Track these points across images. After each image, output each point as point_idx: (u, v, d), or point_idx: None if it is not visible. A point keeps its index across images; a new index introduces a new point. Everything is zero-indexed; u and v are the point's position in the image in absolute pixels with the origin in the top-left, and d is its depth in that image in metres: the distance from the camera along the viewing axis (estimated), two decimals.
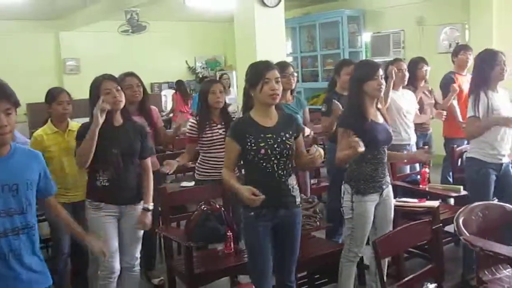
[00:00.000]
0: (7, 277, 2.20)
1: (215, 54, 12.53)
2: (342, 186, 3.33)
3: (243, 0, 5.59)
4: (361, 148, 2.93)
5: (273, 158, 2.85)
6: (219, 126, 3.99)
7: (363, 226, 3.27)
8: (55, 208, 2.62)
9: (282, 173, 2.89)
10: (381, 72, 3.23)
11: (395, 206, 3.61)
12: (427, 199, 4.03)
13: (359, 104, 3.23)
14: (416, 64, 5.12)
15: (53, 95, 3.83)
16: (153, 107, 4.31)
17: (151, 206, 3.32)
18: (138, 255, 3.42)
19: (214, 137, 3.96)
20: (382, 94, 3.28)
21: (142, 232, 3.40)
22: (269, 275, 2.94)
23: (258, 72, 2.86)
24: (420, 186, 4.27)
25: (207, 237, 3.32)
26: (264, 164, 2.84)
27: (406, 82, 4.86)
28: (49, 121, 3.86)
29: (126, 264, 3.37)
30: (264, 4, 5.38)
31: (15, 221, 2.20)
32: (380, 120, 3.31)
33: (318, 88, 9.60)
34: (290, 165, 2.94)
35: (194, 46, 12.05)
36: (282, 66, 4.25)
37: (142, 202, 3.36)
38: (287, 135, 2.91)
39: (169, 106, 10.43)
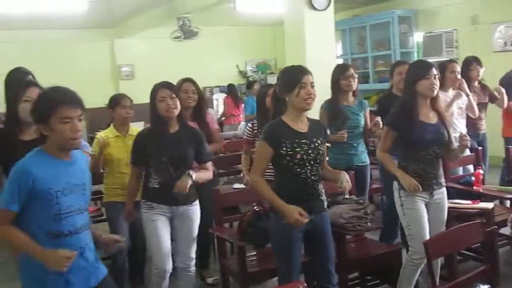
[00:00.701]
0: (85, 269, 2.37)
1: (265, 58, 12.63)
2: (394, 184, 3.37)
3: (292, 4, 5.65)
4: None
5: (307, 164, 2.88)
6: None
7: (417, 222, 3.24)
8: None
9: (314, 179, 2.93)
10: (434, 71, 3.22)
11: (448, 208, 3.59)
12: (481, 201, 3.96)
13: (410, 104, 3.25)
14: (468, 64, 5.05)
15: (117, 100, 4.04)
16: (210, 110, 4.44)
17: (194, 175, 3.30)
18: (193, 255, 3.51)
19: None
20: (435, 93, 3.26)
21: (196, 232, 3.50)
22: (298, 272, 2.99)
23: (294, 77, 2.87)
24: (474, 187, 4.20)
25: (259, 237, 3.38)
26: (298, 169, 2.87)
27: (457, 84, 4.79)
28: (111, 125, 4.06)
29: (182, 264, 3.46)
30: (314, 8, 5.43)
31: (85, 217, 2.38)
32: (433, 120, 3.30)
33: (369, 90, 9.53)
34: (319, 171, 2.98)
35: (245, 50, 12.19)
36: (343, 68, 4.30)
37: (196, 202, 3.46)
38: (318, 141, 2.94)
39: (221, 109, 10.60)
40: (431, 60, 7.03)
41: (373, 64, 9.76)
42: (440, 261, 3.33)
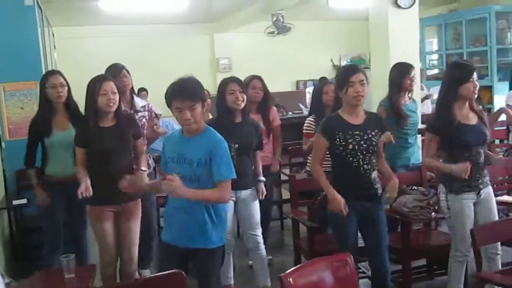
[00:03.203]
0: (186, 228, 2.83)
1: (360, 52, 12.69)
2: (438, 187, 3.49)
3: (377, 1, 5.80)
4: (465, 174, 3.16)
5: (359, 154, 3.14)
6: None
7: (462, 225, 3.35)
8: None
9: (366, 168, 3.17)
10: (476, 75, 3.32)
11: (504, 202, 3.70)
12: None
13: (448, 106, 3.34)
14: None
15: (245, 82, 4.40)
16: (274, 107, 4.78)
17: (262, 178, 3.91)
18: (259, 232, 3.86)
19: None
20: (476, 96, 3.36)
21: (258, 215, 3.87)
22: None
23: (344, 76, 3.14)
24: None
25: (323, 220, 3.70)
26: (350, 158, 3.14)
27: None
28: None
29: (251, 245, 3.87)
30: (398, 6, 5.56)
31: (191, 185, 2.76)
32: (473, 121, 3.39)
33: None
34: (374, 161, 3.22)
35: (339, 44, 12.30)
36: (406, 68, 4.46)
37: (253, 187, 3.89)
38: (373, 133, 3.18)
39: None
40: None
41: (468, 60, 9.57)
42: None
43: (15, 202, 4.51)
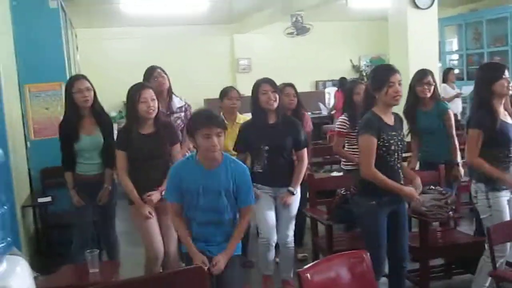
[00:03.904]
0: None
1: (379, 53, 12.67)
2: (473, 186, 3.49)
3: (396, 2, 5.83)
4: None
5: (395, 154, 3.18)
6: None
7: (503, 221, 3.33)
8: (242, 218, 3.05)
9: (399, 166, 3.24)
10: (507, 74, 3.34)
11: None
12: None
13: (489, 104, 3.36)
14: None
15: (225, 92, 4.58)
16: (307, 113, 4.83)
17: (295, 191, 3.82)
18: (291, 232, 3.93)
19: None
20: (510, 94, 3.39)
21: (295, 212, 3.92)
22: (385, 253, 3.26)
23: (382, 76, 3.14)
24: None
25: (344, 217, 3.75)
26: (389, 158, 3.17)
27: None
28: (221, 114, 4.60)
29: (282, 240, 3.92)
30: (417, 6, 5.58)
31: (215, 217, 2.90)
32: (509, 120, 3.43)
33: None
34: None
35: (358, 44, 12.34)
36: (420, 74, 4.45)
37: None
38: (402, 133, 3.25)
39: (332, 103, 10.88)
40: None
41: (489, 60, 9.50)
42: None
43: (40, 200, 4.66)
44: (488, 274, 3.26)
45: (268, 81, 3.83)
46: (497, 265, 3.35)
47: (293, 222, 3.94)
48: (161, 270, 3.70)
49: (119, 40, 10.60)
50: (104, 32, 10.40)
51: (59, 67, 5.15)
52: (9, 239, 1.98)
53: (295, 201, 3.91)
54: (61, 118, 4.18)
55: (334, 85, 11.78)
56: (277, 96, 3.78)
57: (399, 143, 3.20)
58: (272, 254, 3.92)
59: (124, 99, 3.69)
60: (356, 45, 12.33)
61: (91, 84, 3.99)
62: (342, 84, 10.28)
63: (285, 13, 8.81)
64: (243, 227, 3.01)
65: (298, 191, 3.92)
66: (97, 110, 4.05)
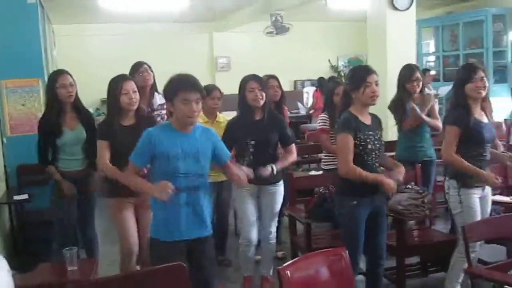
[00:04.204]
0: (194, 222, 2.85)
1: (357, 53, 12.78)
2: (446, 182, 3.58)
3: (375, 4, 5.89)
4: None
5: (373, 153, 3.23)
6: None
7: (473, 218, 3.43)
8: (229, 168, 3.10)
9: (376, 165, 3.27)
10: (481, 74, 3.41)
11: (509, 203, 3.80)
12: None
13: (464, 103, 3.45)
14: None
15: (209, 90, 4.54)
16: (285, 107, 4.87)
17: (275, 167, 3.69)
18: (274, 229, 4.00)
19: None
20: (482, 95, 3.45)
21: (278, 209, 3.97)
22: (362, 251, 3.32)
23: (359, 77, 3.20)
24: None
25: (323, 216, 3.79)
26: (366, 157, 3.21)
27: None
28: (201, 112, 4.59)
29: (264, 236, 3.98)
30: (395, 8, 5.65)
31: (197, 180, 2.83)
32: (485, 120, 3.51)
33: None
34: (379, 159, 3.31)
35: (337, 45, 12.40)
36: (409, 71, 4.57)
37: (280, 182, 3.90)
38: (380, 133, 3.29)
39: (310, 102, 10.95)
40: None
41: (464, 62, 9.68)
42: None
43: (16, 197, 4.59)
44: (462, 270, 3.33)
45: (255, 79, 3.84)
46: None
47: (276, 219, 3.98)
48: (138, 267, 3.71)
49: (97, 36, 10.50)
50: (82, 28, 10.27)
51: (36, 63, 5.10)
52: None
53: (279, 197, 3.94)
54: (38, 114, 4.14)
55: (312, 84, 11.84)
56: (264, 94, 3.80)
57: (376, 142, 3.24)
58: (252, 253, 3.96)
59: (102, 96, 3.68)
60: (334, 45, 12.40)
61: (73, 79, 3.97)
62: (320, 84, 10.37)
63: (264, 12, 8.82)
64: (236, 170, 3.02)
65: (282, 189, 3.94)
66: (78, 106, 4.04)
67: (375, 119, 3.37)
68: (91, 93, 8.04)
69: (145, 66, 4.31)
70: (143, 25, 10.46)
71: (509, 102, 8.65)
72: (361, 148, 3.20)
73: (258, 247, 4.07)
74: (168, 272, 2.28)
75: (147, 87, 4.28)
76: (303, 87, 12.15)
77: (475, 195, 3.48)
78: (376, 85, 3.21)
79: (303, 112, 10.93)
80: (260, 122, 3.82)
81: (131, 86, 3.54)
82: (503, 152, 3.90)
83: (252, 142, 3.75)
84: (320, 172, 4.99)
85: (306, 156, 6.29)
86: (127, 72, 4.12)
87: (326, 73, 11.94)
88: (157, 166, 2.82)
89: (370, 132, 3.24)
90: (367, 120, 3.28)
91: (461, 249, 3.48)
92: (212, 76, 11.49)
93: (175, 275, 2.27)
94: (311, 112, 10.28)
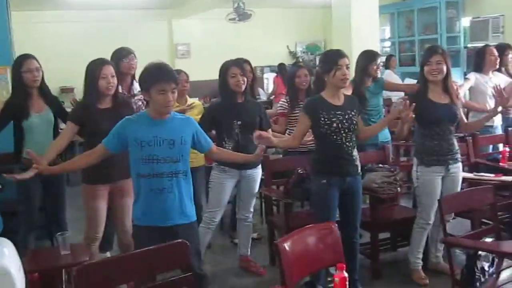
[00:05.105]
0: (167, 208, 2.90)
1: (315, 39, 12.98)
2: (413, 160, 3.83)
3: None
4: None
5: (342, 132, 3.37)
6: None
7: (428, 195, 3.70)
8: (223, 153, 3.40)
9: (349, 145, 3.42)
10: (437, 58, 3.61)
11: (472, 179, 4.05)
12: (504, 175, 4.35)
13: (421, 86, 3.73)
14: (503, 50, 5.38)
15: None
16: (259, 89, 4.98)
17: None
18: (252, 209, 4.16)
19: None
20: (437, 78, 3.65)
21: (256, 190, 4.11)
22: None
23: (331, 60, 3.36)
24: (500, 163, 4.59)
25: (301, 196, 3.94)
26: (334, 136, 3.37)
27: (497, 67, 5.19)
28: None
29: (243, 216, 4.14)
30: None
31: (172, 166, 2.89)
32: (445, 101, 3.71)
33: (415, 73, 9.77)
34: (354, 139, 3.48)
35: (295, 31, 12.56)
36: (373, 56, 4.77)
37: (259, 166, 4.04)
38: (352, 113, 3.43)
39: (271, 88, 11.08)
40: (477, 44, 7.35)
41: (420, 47, 10.00)
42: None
43: None
44: (439, 241, 3.59)
45: (237, 64, 3.94)
46: (424, 233, 3.81)
47: (254, 200, 4.10)
48: (108, 253, 3.73)
49: (54, 24, 10.26)
50: (36, 15, 10.01)
51: (4, 51, 4.99)
52: None
53: (258, 180, 4.07)
54: None
55: (272, 70, 11.97)
56: (245, 79, 3.90)
57: (344, 121, 3.37)
58: (209, 235, 4.05)
59: (61, 85, 3.70)
60: (292, 32, 12.54)
61: (39, 64, 3.98)
62: (281, 69, 10.52)
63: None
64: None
65: (260, 172, 4.07)
66: (44, 90, 4.06)
67: (350, 100, 3.53)
68: (49, 82, 7.88)
69: (133, 54, 4.33)
70: (102, 12, 10.31)
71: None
72: (326, 127, 3.35)
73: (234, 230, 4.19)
74: (173, 251, 2.37)
75: (129, 75, 4.31)
76: (262, 73, 12.25)
77: (433, 173, 3.69)
78: (347, 68, 3.37)
79: (264, 98, 11.05)
80: (243, 105, 3.94)
81: (109, 70, 3.55)
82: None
83: (239, 123, 3.85)
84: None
85: None
86: (85, 59, 4.05)
87: (285, 59, 12.09)
88: (132, 153, 2.91)
89: (339, 112, 3.38)
90: (338, 101, 3.43)
91: (418, 222, 3.81)
92: (172, 63, 11.36)
93: (180, 253, 2.36)
94: (272, 97, 10.41)
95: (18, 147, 4.01)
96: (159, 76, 2.83)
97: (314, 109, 3.40)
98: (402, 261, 4.13)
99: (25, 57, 4.05)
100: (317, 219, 3.38)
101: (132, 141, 2.87)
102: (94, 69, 3.55)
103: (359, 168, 3.54)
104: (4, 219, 4.75)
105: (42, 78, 4.02)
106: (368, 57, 4.76)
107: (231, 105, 3.91)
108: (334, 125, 3.35)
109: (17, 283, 2.10)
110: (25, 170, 3.80)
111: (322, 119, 3.35)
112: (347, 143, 3.42)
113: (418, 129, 3.79)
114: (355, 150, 3.50)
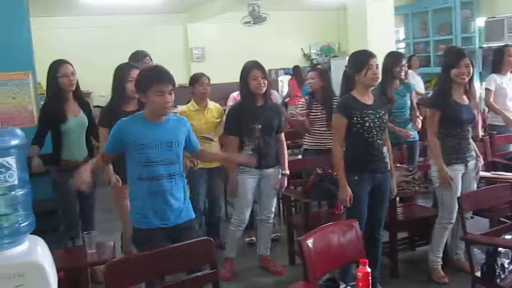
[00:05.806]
0: (170, 209, 2.92)
1: (329, 41, 12.99)
2: (431, 160, 3.85)
3: None
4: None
5: (373, 130, 3.43)
6: (321, 106, 4.64)
7: (450, 194, 3.71)
8: (205, 153, 3.35)
9: (379, 143, 3.48)
10: (466, 61, 3.64)
11: (489, 178, 4.07)
12: None
13: (445, 87, 3.72)
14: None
15: (196, 78, 4.66)
16: (274, 91, 5.03)
17: (287, 171, 4.08)
18: (273, 209, 4.21)
19: (318, 115, 4.63)
20: (465, 81, 3.68)
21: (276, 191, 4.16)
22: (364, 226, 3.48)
23: (362, 60, 3.43)
24: None
25: (321, 195, 3.99)
26: (366, 135, 3.43)
27: None
28: (192, 100, 4.70)
29: (264, 217, 4.19)
30: None
31: (170, 168, 2.92)
32: (466, 102, 3.76)
33: (430, 73, 9.83)
34: (383, 137, 3.52)
35: (310, 33, 12.56)
36: (397, 57, 4.84)
37: (276, 166, 4.10)
38: (382, 112, 3.49)
39: (285, 91, 11.12)
40: (492, 44, 7.34)
41: (434, 48, 10.03)
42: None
43: None
44: (459, 238, 3.61)
45: (258, 66, 4.00)
46: (445, 232, 3.82)
47: (275, 200, 4.16)
48: None
49: (72, 29, 10.40)
50: (53, 21, 10.16)
51: (26, 56, 5.09)
52: (32, 217, 2.07)
53: (278, 177, 4.13)
54: (29, 107, 4.22)
55: (286, 73, 12.01)
56: (266, 82, 3.97)
57: (376, 120, 3.43)
58: (240, 234, 4.15)
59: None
60: (306, 34, 12.55)
61: (74, 68, 4.12)
62: (295, 72, 10.55)
63: (240, 3, 8.93)
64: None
65: (279, 171, 4.13)
66: (79, 94, 4.20)
67: (379, 99, 3.61)
68: None
69: (148, 57, 4.45)
70: (118, 17, 10.43)
71: (477, 86, 9.00)
72: (359, 126, 3.40)
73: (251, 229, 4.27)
74: (199, 247, 2.43)
75: None
76: (277, 76, 12.30)
77: (453, 172, 3.72)
78: (377, 67, 3.45)
79: (279, 100, 11.08)
80: (263, 108, 4.00)
81: (136, 74, 3.63)
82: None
83: (259, 127, 3.92)
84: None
85: (289, 142, 6.47)
86: (101, 64, 4.17)
87: (299, 62, 12.10)
88: (130, 155, 2.90)
89: (370, 111, 3.44)
90: (369, 101, 3.49)
91: (439, 221, 3.83)
92: (187, 67, 11.52)
93: (205, 249, 2.42)
94: (286, 100, 10.44)
95: (56, 150, 4.12)
96: (156, 77, 2.83)
97: (347, 108, 3.44)
98: (420, 260, 4.16)
99: (61, 63, 4.18)
100: (348, 215, 3.48)
101: (130, 143, 2.85)
102: (122, 73, 3.70)
103: (389, 165, 3.59)
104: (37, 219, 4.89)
105: (77, 82, 4.17)
106: (391, 58, 4.80)
107: (252, 107, 3.97)
108: (367, 124, 3.41)
109: (51, 279, 2.17)
110: (61, 172, 3.96)
111: (355, 118, 3.41)
112: (378, 141, 3.48)
113: (440, 128, 3.78)
114: (385, 148, 3.56)
